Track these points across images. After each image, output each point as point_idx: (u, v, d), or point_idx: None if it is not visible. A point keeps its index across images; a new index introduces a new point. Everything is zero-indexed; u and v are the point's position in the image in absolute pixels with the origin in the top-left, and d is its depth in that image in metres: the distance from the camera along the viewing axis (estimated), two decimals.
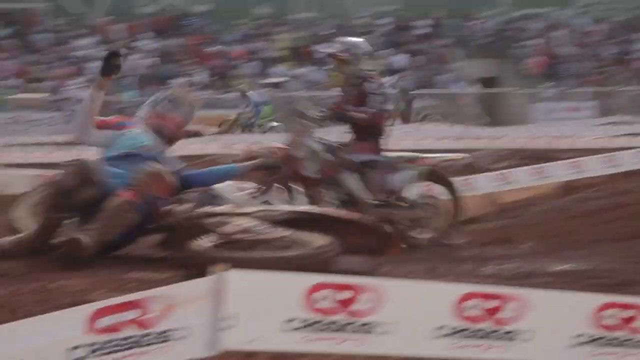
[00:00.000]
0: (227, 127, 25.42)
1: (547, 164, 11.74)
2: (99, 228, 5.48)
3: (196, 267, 4.90)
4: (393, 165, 7.76)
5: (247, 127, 25.17)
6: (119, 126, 6.17)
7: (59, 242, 5.42)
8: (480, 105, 31.92)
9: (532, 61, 34.15)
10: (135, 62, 31.67)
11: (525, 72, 33.88)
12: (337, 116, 7.73)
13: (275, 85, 31.39)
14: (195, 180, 6.15)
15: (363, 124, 7.55)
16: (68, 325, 2.66)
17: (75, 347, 2.63)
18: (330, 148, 7.66)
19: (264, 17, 35.83)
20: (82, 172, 5.62)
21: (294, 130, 7.84)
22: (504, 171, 11.74)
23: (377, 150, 7.73)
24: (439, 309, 3.01)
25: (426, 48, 34.83)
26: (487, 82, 33.58)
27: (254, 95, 26.12)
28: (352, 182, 7.60)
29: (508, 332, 3.05)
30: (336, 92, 8.29)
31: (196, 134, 23.09)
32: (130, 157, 5.90)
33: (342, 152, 7.65)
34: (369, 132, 7.68)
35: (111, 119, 6.31)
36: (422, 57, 34.24)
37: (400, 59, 33.86)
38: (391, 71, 33.24)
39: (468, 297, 3.01)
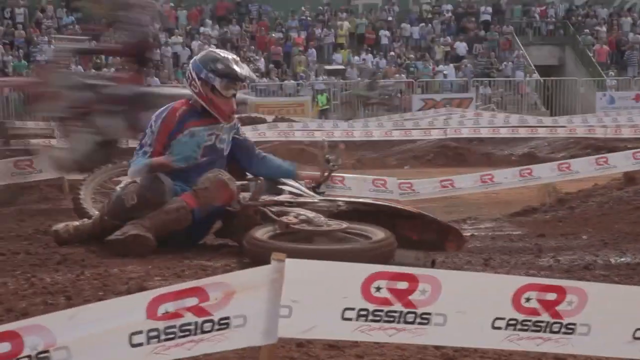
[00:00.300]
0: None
1: (609, 154, 11.56)
2: (151, 226, 5.47)
3: (254, 256, 4.95)
4: (161, 100, 7.01)
5: None
6: (175, 132, 5.82)
7: (124, 237, 5.45)
8: (542, 93, 31.55)
9: (597, 48, 33.58)
10: (196, 49, 31.95)
11: (590, 59, 33.32)
12: (84, 51, 7.26)
13: (335, 73, 31.36)
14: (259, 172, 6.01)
15: (118, 55, 7.12)
16: (129, 311, 2.71)
17: (137, 333, 2.69)
18: (90, 83, 7.07)
19: (325, 3, 35.80)
20: (145, 194, 5.56)
21: (50, 62, 7.50)
22: (564, 161, 11.61)
23: (144, 82, 7.18)
24: (496, 300, 2.99)
25: (487, 35, 34.49)
26: (547, 69, 33.14)
27: None
28: (108, 120, 6.97)
29: (565, 325, 3.03)
30: None
31: (257, 120, 23.30)
32: (184, 173, 5.75)
33: (104, 86, 7.02)
34: (133, 62, 7.09)
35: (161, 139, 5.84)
36: (483, 45, 33.91)
37: (461, 46, 33.61)
38: (454, 57, 33.09)
39: (526, 289, 3.00)
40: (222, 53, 5.98)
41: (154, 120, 5.92)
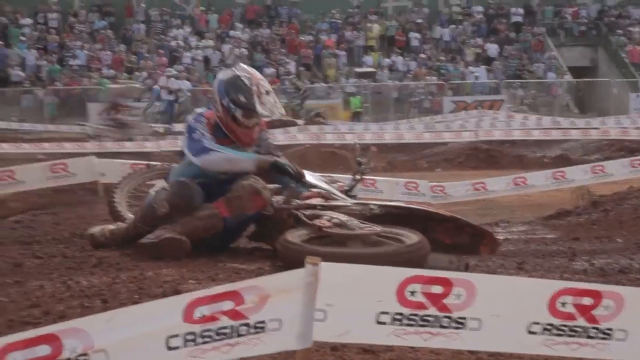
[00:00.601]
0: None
1: None
2: (182, 232, 5.47)
3: (287, 259, 4.96)
4: None
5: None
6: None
7: (158, 241, 5.47)
8: (574, 95, 31.32)
9: (630, 49, 33.24)
10: (227, 52, 32.07)
11: (623, 60, 33.00)
12: None
13: (365, 75, 31.33)
14: None
15: None
16: (167, 314, 2.72)
17: (174, 336, 2.70)
18: None
19: (355, 6, 35.77)
20: (174, 201, 5.56)
21: None
22: (598, 163, 11.53)
23: None
24: (532, 305, 2.98)
25: (519, 36, 34.28)
26: (580, 71, 32.88)
27: None
28: None
29: (602, 331, 3.00)
30: None
31: (288, 124, 23.34)
32: (205, 187, 5.64)
33: None
34: None
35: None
36: (514, 46, 33.71)
37: (492, 48, 33.45)
38: (485, 59, 32.92)
39: (562, 293, 2.97)
40: (248, 81, 5.74)
41: (193, 121, 5.82)
